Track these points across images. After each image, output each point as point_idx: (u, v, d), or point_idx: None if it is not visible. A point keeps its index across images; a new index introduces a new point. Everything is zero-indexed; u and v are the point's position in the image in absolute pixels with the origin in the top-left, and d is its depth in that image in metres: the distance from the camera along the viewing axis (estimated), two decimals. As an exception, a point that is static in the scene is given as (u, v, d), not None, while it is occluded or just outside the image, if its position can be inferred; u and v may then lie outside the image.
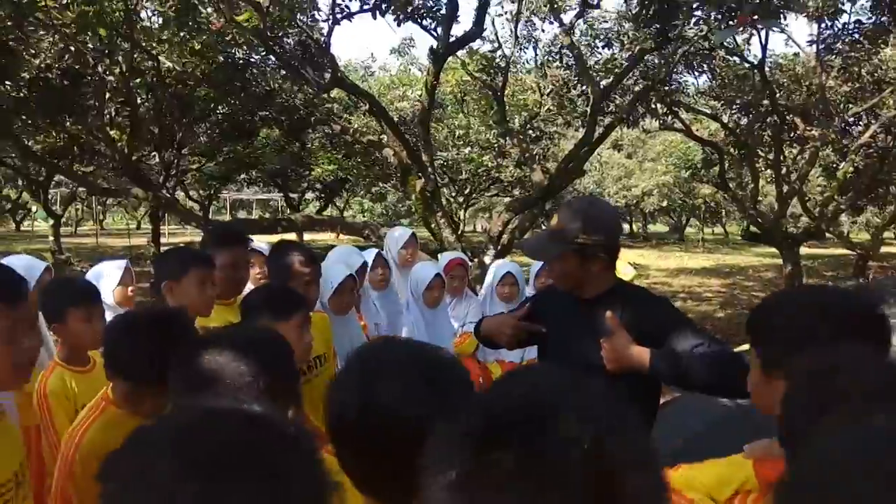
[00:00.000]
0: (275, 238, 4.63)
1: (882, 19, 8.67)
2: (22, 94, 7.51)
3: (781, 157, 12.14)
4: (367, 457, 0.98)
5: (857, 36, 9.81)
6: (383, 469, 0.96)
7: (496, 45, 9.98)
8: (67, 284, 2.80)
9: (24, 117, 7.96)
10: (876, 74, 11.72)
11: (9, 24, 6.03)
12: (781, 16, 4.13)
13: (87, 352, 2.57)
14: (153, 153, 14.13)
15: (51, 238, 18.07)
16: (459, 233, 9.43)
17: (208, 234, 3.02)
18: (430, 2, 7.45)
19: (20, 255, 3.55)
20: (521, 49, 11.25)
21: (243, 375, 1.29)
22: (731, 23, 4.35)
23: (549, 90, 11.48)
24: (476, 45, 8.86)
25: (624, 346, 2.01)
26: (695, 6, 5.56)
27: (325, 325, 2.88)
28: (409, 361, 1.04)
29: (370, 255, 3.90)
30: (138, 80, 8.71)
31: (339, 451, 1.01)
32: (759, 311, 1.43)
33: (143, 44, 7.58)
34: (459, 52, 9.27)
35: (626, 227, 35.08)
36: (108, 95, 8.54)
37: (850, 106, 12.22)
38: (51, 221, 18.19)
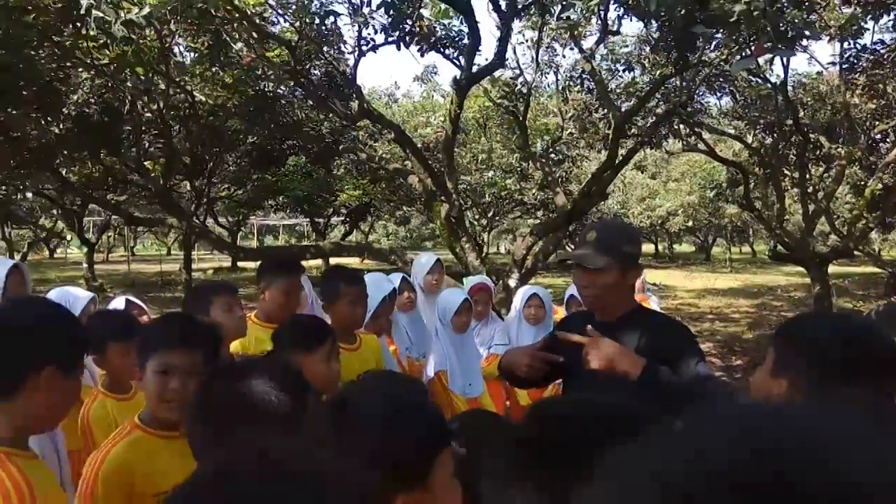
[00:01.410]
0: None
1: (905, 37, 8.66)
2: (63, 130, 7.82)
3: (807, 176, 12.07)
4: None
5: (880, 55, 9.80)
6: None
7: (518, 71, 10.14)
8: (108, 318, 2.94)
9: (64, 152, 8.27)
10: (902, 91, 11.65)
11: (52, 65, 6.33)
12: (799, 43, 4.20)
13: (128, 381, 2.71)
14: (184, 182, 14.49)
15: (84, 265, 18.52)
16: (484, 255, 9.52)
17: (264, 261, 3.20)
18: (453, 33, 7.64)
19: (66, 287, 3.74)
20: (542, 75, 11.39)
21: (268, 406, 1.32)
22: (748, 51, 4.42)
23: (570, 114, 11.58)
24: (498, 72, 9.02)
25: (614, 346, 2.00)
26: (714, 32, 5.64)
27: (376, 346, 3.09)
28: None
29: (396, 279, 4.02)
30: (172, 114, 9.01)
31: None
32: (793, 323, 1.56)
33: (177, 79, 7.86)
34: (482, 80, 9.44)
35: (651, 247, 34.85)
36: (143, 129, 8.86)
37: (877, 123, 12.12)
38: (84, 249, 18.65)
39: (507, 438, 0.85)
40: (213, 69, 7.95)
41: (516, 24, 8.85)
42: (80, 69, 7.17)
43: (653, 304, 4.58)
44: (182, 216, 7.81)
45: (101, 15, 5.04)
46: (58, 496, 1.53)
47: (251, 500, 0.66)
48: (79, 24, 5.79)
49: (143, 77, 6.29)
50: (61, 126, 7.97)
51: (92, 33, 5.76)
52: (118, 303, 3.63)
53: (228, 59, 7.50)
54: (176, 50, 8.42)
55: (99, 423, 2.55)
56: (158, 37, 6.89)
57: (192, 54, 8.63)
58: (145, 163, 9.83)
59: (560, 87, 11.66)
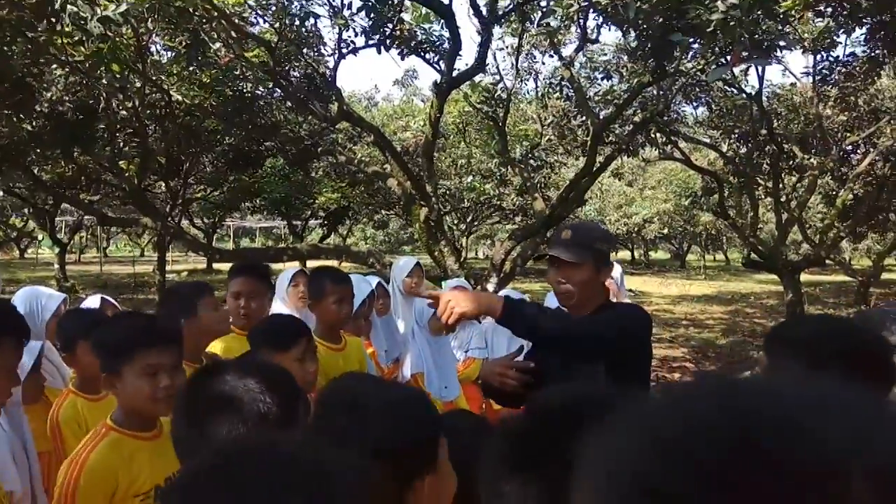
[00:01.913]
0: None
1: (876, 52, 8.85)
2: (35, 127, 7.68)
3: (780, 186, 12.28)
4: None
5: (852, 67, 10.01)
6: None
7: (497, 77, 10.18)
8: (78, 316, 2.88)
9: (36, 149, 8.13)
10: (872, 104, 11.92)
11: (25, 60, 6.21)
12: (774, 53, 4.27)
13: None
14: (159, 182, 14.32)
15: (56, 266, 18.21)
16: (462, 260, 9.53)
17: (233, 265, 3.26)
18: (434, 37, 7.65)
19: (36, 287, 3.65)
20: (521, 81, 11.47)
21: (254, 404, 1.28)
22: (724, 60, 4.49)
23: (549, 121, 11.66)
24: (478, 77, 9.05)
25: (466, 292, 2.06)
26: (691, 41, 5.72)
27: (360, 348, 3.11)
28: None
29: (373, 281, 4.01)
30: (148, 112, 8.90)
31: None
32: (781, 327, 1.61)
33: (154, 77, 7.77)
34: (462, 85, 9.47)
35: (627, 254, 35.17)
36: (118, 127, 8.73)
37: (848, 135, 12.38)
38: (56, 249, 18.34)
39: (504, 433, 0.85)
40: (191, 68, 7.87)
41: (497, 31, 8.90)
42: (55, 66, 7.06)
43: None
44: (156, 216, 7.71)
45: (76, 11, 4.97)
46: None
47: (250, 485, 0.67)
48: (54, 20, 5.70)
49: (118, 75, 6.20)
50: (34, 123, 7.83)
51: (67, 29, 5.67)
52: (93, 301, 3.56)
53: (206, 58, 7.44)
54: (153, 48, 8.33)
55: (69, 424, 2.51)
56: (135, 35, 6.81)
57: (170, 53, 8.55)
58: (119, 162, 9.70)
59: (539, 94, 11.74)
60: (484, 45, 6.88)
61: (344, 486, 0.70)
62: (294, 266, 4.20)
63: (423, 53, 7.74)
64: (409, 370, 3.84)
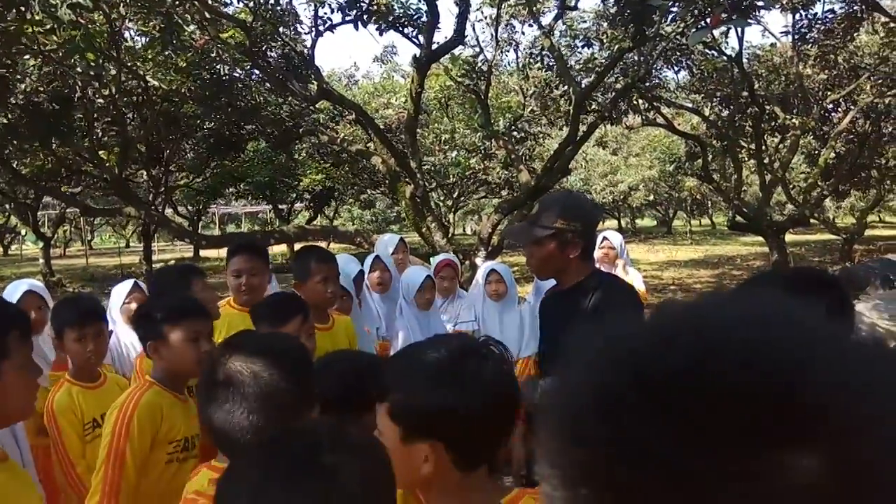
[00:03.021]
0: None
1: (854, 7, 8.86)
2: (11, 119, 7.56)
3: (763, 147, 12.33)
4: None
5: (830, 25, 10.02)
6: None
7: (478, 49, 10.11)
8: (66, 305, 2.87)
9: (14, 142, 8.01)
10: (852, 61, 11.95)
11: (-3, 51, 6.10)
12: (754, 13, 4.26)
13: (95, 368, 2.67)
14: (141, 171, 14.16)
15: (41, 261, 18.03)
16: (450, 236, 9.54)
17: (229, 246, 3.30)
18: (412, 11, 7.56)
19: (22, 279, 3.62)
20: (502, 52, 11.39)
21: (268, 383, 1.35)
22: (704, 23, 4.47)
23: (531, 91, 11.61)
24: (458, 50, 8.98)
25: None
26: (670, 5, 5.69)
27: (350, 327, 3.11)
28: None
29: (370, 259, 4.00)
30: (125, 100, 8.77)
31: None
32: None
33: (129, 64, 7.64)
34: (442, 59, 9.39)
35: (614, 222, 35.29)
36: (95, 116, 8.60)
37: (829, 93, 12.43)
38: (40, 244, 18.14)
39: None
40: (166, 53, 7.75)
41: (475, 1, 8.82)
42: (27, 56, 6.93)
43: (632, 276, 4.61)
44: (139, 205, 7.65)
45: (45, -2, 4.87)
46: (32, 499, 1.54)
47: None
48: (23, 9, 5.58)
49: (93, 63, 6.10)
50: (9, 115, 7.70)
51: (38, 18, 5.56)
52: (125, 286, 3.51)
53: (181, 42, 7.31)
54: (126, 34, 8.19)
55: (64, 413, 2.50)
56: (108, 21, 6.68)
57: (144, 38, 8.40)
58: (99, 152, 9.56)
59: (520, 65, 11.67)
60: (462, 17, 6.82)
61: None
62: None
63: (401, 28, 7.66)
64: (400, 346, 3.85)
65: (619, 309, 2.18)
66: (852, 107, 11.93)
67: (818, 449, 0.34)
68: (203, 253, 23.62)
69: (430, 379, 1.09)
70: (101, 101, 8.08)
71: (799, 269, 1.53)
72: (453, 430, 1.05)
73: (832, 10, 9.94)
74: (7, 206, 20.84)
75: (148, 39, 8.07)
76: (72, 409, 2.53)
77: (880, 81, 11.65)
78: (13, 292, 3.22)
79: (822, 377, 0.35)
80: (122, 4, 6.58)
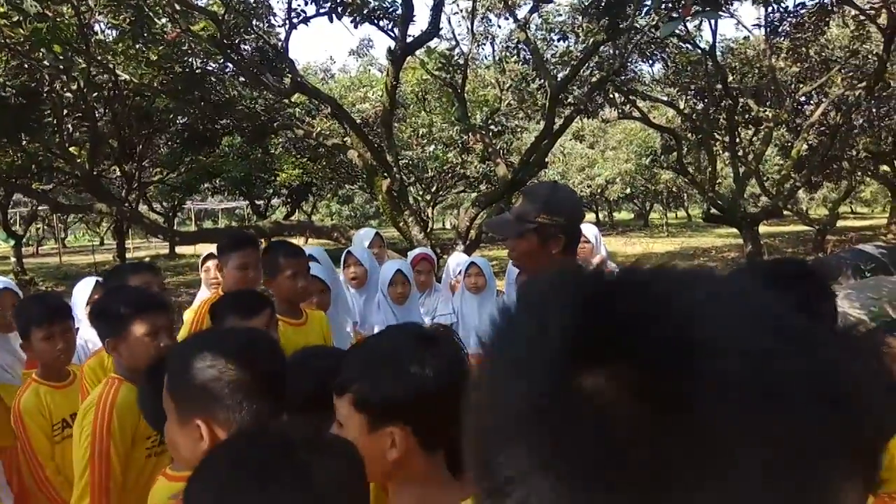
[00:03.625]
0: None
1: (825, 1, 8.98)
2: (-24, 115, 7.38)
3: (737, 139, 12.46)
4: None
5: (801, 18, 10.14)
6: None
7: (454, 42, 10.09)
8: (32, 304, 2.81)
9: (-20, 138, 7.83)
10: (823, 54, 12.11)
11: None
12: (726, 5, 4.29)
13: (64, 367, 2.61)
14: (113, 167, 13.93)
15: (12, 259, 17.70)
16: (428, 230, 9.52)
17: (220, 240, 3.21)
18: (387, 3, 7.51)
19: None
20: (478, 46, 11.39)
21: (226, 373, 1.31)
22: (675, 15, 4.49)
23: (508, 85, 11.62)
24: (434, 43, 8.94)
25: None
26: (643, -3, 5.72)
27: (324, 322, 3.06)
28: None
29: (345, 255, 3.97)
30: (95, 94, 8.61)
31: None
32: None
33: (99, 57, 7.50)
34: (418, 52, 9.34)
35: (592, 216, 35.49)
36: (65, 111, 8.43)
37: (801, 86, 12.60)
38: (11, 242, 17.80)
39: None
40: (137, 46, 7.62)
41: (450, -6, 8.78)
42: (-8, 49, 6.77)
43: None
44: (111, 201, 7.52)
45: (10, -11, 4.75)
46: None
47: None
48: (-13, 1, 5.46)
49: (60, 56, 5.98)
50: (-25, 111, 7.52)
51: (2, 10, 5.43)
52: (87, 284, 3.41)
53: (152, 35, 7.20)
54: (96, 27, 8.03)
55: (31, 414, 2.45)
56: (76, 13, 6.55)
57: (114, 31, 8.25)
58: (70, 148, 9.39)
59: (497, 58, 11.67)
60: (437, 9, 6.80)
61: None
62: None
63: (376, 21, 7.61)
64: (378, 339, 3.83)
65: None
66: (824, 99, 12.10)
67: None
68: (179, 249, 23.36)
69: (392, 366, 1.12)
70: (69, 95, 7.93)
71: (778, 261, 1.54)
72: (418, 413, 1.08)
73: (803, 4, 10.07)
74: (-24, 204, 20.43)
75: (118, 32, 7.94)
76: (39, 410, 2.47)
77: (850, 74, 11.83)
78: None
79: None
80: (90, -3, 6.46)
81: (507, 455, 0.37)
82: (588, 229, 4.83)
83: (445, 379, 1.09)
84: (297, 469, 0.88)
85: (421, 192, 21.20)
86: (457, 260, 5.07)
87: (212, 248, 3.56)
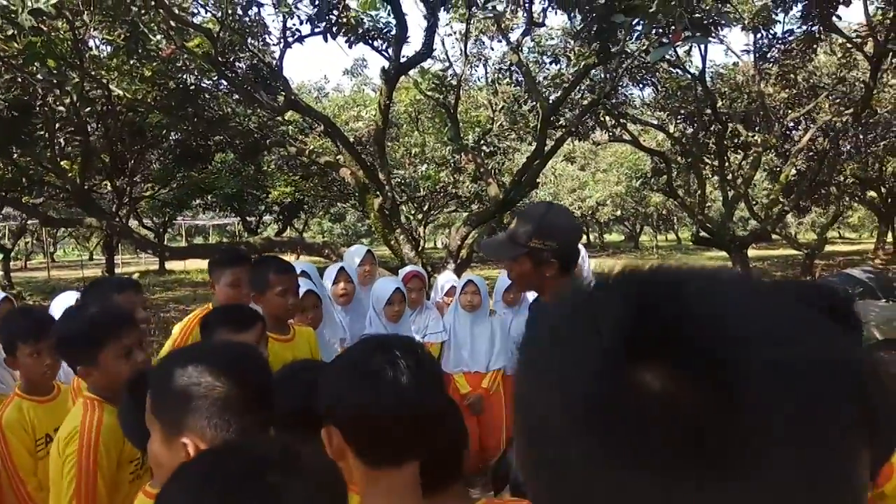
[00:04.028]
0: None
1: (812, 28, 9.12)
2: (-32, 128, 7.36)
3: (726, 164, 12.58)
4: None
5: (789, 45, 10.31)
6: None
7: (447, 63, 10.18)
8: (18, 318, 2.75)
9: (-29, 151, 7.80)
10: (811, 80, 12.30)
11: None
12: (715, 30, 4.36)
13: (49, 381, 2.57)
14: (105, 181, 13.89)
15: (0, 273, 17.57)
16: (420, 249, 9.51)
17: (213, 256, 3.15)
18: (381, 24, 7.59)
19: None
20: (471, 67, 11.49)
21: (213, 389, 1.30)
22: (665, 40, 4.56)
23: (500, 106, 11.71)
24: (427, 64, 9.02)
25: None
26: (634, 23, 5.80)
27: (312, 338, 3.05)
28: None
29: (334, 270, 3.96)
30: (88, 109, 8.60)
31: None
32: None
33: (93, 72, 7.52)
34: (412, 72, 9.41)
35: (583, 238, 35.55)
36: (57, 125, 8.42)
37: (789, 111, 12.76)
38: (0, 256, 17.68)
39: None
40: (131, 62, 7.64)
41: (444, 16, 8.89)
42: (-14, 62, 6.77)
43: None
44: (101, 215, 7.49)
45: (6, 4, 4.78)
46: None
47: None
48: (-19, 14, 5.46)
49: (54, 70, 5.99)
50: (-33, 123, 7.50)
51: (-3, 24, 5.45)
52: (68, 297, 3.35)
53: (147, 51, 7.23)
54: (91, 42, 8.06)
55: (13, 428, 2.40)
56: (71, 28, 6.58)
57: (109, 47, 8.28)
58: (61, 162, 9.36)
59: (489, 80, 11.77)
60: (430, 31, 6.87)
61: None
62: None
63: (370, 41, 7.67)
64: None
65: None
66: (812, 125, 12.25)
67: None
68: (168, 265, 23.23)
69: (354, 374, 1.13)
70: (62, 109, 7.93)
71: (807, 284, 1.58)
72: (351, 420, 1.08)
73: (791, 31, 10.24)
74: (-36, 217, 20.30)
75: (113, 48, 7.97)
76: (22, 426, 2.42)
77: (838, 101, 12.01)
78: None
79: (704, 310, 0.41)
80: (86, 12, 6.48)
81: (569, 449, 0.41)
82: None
83: (390, 394, 1.07)
84: (265, 491, 0.84)
85: (413, 211, 21.25)
86: (445, 278, 5.08)
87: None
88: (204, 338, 2.24)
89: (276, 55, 8.08)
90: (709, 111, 11.39)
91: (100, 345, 1.93)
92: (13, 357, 2.53)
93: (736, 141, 12.50)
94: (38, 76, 6.07)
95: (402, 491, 1.10)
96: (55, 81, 6.34)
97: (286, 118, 10.44)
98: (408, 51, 7.51)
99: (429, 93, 10.30)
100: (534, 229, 2.20)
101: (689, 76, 11.34)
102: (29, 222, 21.62)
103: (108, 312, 2.14)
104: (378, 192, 7.58)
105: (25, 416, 2.45)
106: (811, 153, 12.97)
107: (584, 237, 35.55)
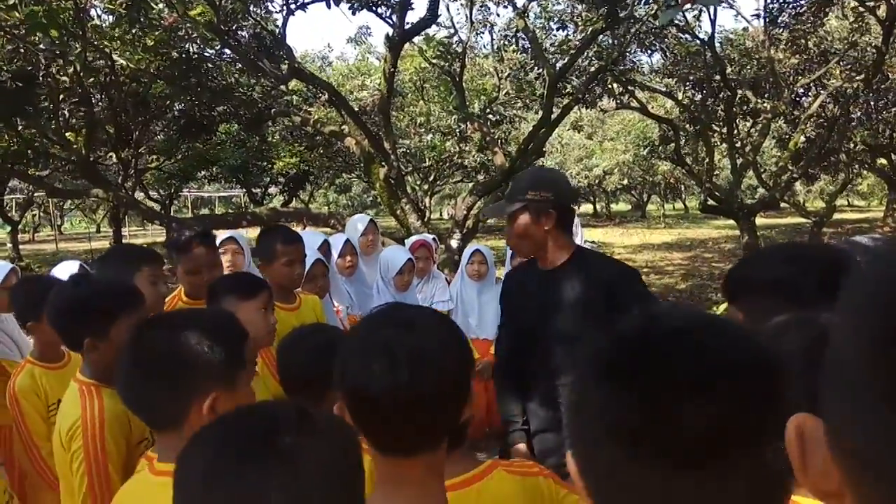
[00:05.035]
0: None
1: (824, -9, 8.95)
2: (-28, 99, 7.33)
3: (735, 131, 12.43)
4: None
5: (800, 8, 10.11)
6: None
7: (452, 30, 10.04)
8: (41, 282, 2.74)
9: (-25, 122, 7.78)
10: (822, 46, 12.08)
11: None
12: (723, -8, 4.26)
13: (61, 347, 2.60)
14: (110, 153, 13.88)
15: (8, 245, 17.68)
16: (426, 219, 9.51)
17: (170, 241, 3.02)
18: (384, -10, 7.48)
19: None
20: (477, 34, 11.34)
21: (192, 353, 1.33)
22: (674, 3, 4.48)
23: (506, 74, 11.58)
24: (432, 31, 8.90)
25: None
26: (642, -15, 5.70)
27: (317, 306, 3.06)
28: None
29: (339, 240, 3.96)
30: (91, 80, 8.55)
31: None
32: (741, 266, 1.40)
33: (96, 42, 7.45)
34: (416, 39, 9.30)
35: (589, 206, 35.48)
36: (61, 96, 8.38)
37: (799, 77, 12.56)
38: (7, 228, 17.78)
39: None
40: (134, 31, 7.57)
41: (449, -19, 8.72)
42: (-12, 33, 6.72)
43: None
44: (108, 187, 7.50)
45: (5, -29, 4.72)
46: None
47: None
48: (-18, -17, 5.41)
49: (56, 40, 5.93)
50: (-30, 95, 7.47)
51: (-3, -7, 5.39)
52: (70, 266, 3.37)
53: (149, 20, 7.16)
54: (93, 12, 7.98)
55: (26, 395, 2.44)
56: (72, -3, 6.51)
57: (111, 16, 8.19)
58: (66, 133, 9.34)
59: (495, 47, 11.61)
60: (435, -4, 6.76)
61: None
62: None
63: (374, 7, 7.57)
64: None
65: (641, 292, 2.20)
66: (822, 91, 12.07)
67: None
68: (175, 237, 23.29)
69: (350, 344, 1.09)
70: (66, 79, 7.88)
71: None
72: (344, 394, 1.05)
73: (802, -6, 10.04)
74: (-29, 190, 20.34)
75: (115, 17, 7.88)
76: (35, 391, 2.46)
77: (849, 66, 11.80)
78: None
79: None
80: (86, -20, 6.41)
81: (848, 395, 0.45)
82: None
83: (400, 378, 1.00)
84: (282, 452, 0.84)
85: (419, 182, 21.19)
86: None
87: (226, 233, 3.52)
88: (210, 305, 2.22)
89: (279, 23, 8.00)
90: (718, 78, 11.21)
91: (114, 317, 1.84)
92: (37, 322, 2.51)
93: (745, 108, 12.34)
94: (41, 46, 6.03)
95: (420, 485, 1.06)
96: (58, 52, 6.29)
97: (290, 88, 10.35)
98: (412, 17, 7.42)
99: (434, 61, 10.19)
100: (529, 182, 2.26)
101: (698, 42, 11.16)
102: (36, 195, 21.69)
103: (122, 283, 2.07)
104: (383, 162, 7.54)
105: (38, 383, 2.48)
106: (821, 120, 12.78)
107: (591, 206, 35.43)
